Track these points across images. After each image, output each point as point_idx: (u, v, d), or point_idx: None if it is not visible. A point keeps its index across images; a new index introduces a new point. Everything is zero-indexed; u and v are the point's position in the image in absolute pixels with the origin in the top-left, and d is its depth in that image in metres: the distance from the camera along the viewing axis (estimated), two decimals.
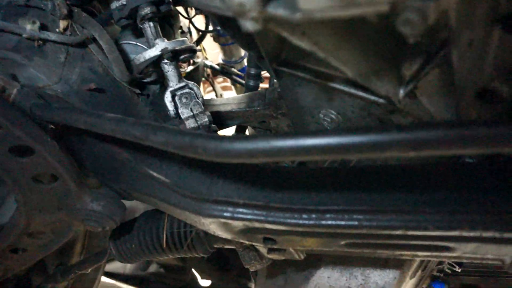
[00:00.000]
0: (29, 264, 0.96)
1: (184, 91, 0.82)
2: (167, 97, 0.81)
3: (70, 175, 0.72)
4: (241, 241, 0.65)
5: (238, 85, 1.71)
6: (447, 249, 0.54)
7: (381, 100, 0.51)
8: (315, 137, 0.40)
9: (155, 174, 0.65)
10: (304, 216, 0.55)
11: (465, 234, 0.49)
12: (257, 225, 0.58)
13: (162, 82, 0.92)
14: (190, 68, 1.54)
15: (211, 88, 1.80)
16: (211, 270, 1.61)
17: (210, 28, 1.43)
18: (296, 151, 0.41)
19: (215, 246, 0.85)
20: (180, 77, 0.83)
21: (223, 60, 1.81)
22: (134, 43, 0.94)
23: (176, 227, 0.84)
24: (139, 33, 0.94)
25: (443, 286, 0.95)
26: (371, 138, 0.38)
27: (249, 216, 0.57)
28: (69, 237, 0.87)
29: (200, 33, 1.39)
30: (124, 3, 0.81)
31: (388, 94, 0.49)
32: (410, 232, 0.51)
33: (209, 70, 1.62)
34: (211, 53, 1.81)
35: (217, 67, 1.58)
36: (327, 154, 0.40)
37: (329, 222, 0.54)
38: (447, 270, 1.04)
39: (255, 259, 0.77)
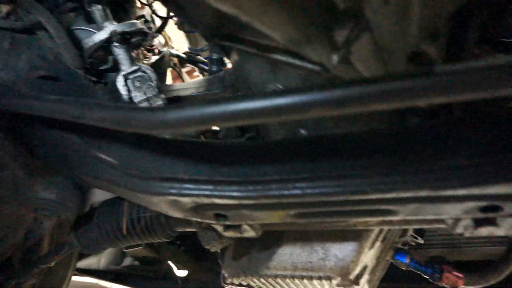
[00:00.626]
0: None
1: (137, 74, 0.81)
2: (120, 81, 0.80)
3: (17, 163, 0.70)
4: (195, 219, 0.65)
5: (205, 73, 1.70)
6: (390, 212, 0.55)
7: (316, 68, 0.52)
8: (242, 102, 0.40)
9: (104, 156, 0.64)
10: (250, 188, 0.55)
11: (402, 195, 0.50)
12: (205, 200, 0.58)
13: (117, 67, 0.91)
14: (155, 58, 1.52)
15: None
16: (186, 261, 1.61)
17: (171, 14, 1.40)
18: (225, 116, 0.41)
19: (177, 229, 0.85)
20: (132, 61, 0.82)
21: (189, 49, 1.79)
22: (86, 28, 0.91)
23: (136, 213, 0.84)
24: (91, 19, 0.91)
25: (405, 257, 0.98)
26: (293, 99, 0.38)
27: (195, 192, 0.57)
28: (24, 230, 0.85)
29: (162, 20, 1.37)
30: None
31: (322, 61, 0.50)
32: (352, 197, 0.52)
33: (175, 60, 1.60)
34: (177, 42, 1.79)
35: (183, 55, 1.56)
36: (254, 117, 0.40)
37: (274, 192, 0.54)
38: (411, 243, 1.07)
39: (214, 239, 0.77)
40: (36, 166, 0.75)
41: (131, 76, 0.80)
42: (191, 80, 1.07)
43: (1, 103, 0.68)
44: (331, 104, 0.36)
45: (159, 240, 0.89)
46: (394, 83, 0.33)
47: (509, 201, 0.48)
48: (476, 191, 0.47)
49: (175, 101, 0.96)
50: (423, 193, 0.49)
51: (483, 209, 0.51)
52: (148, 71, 0.83)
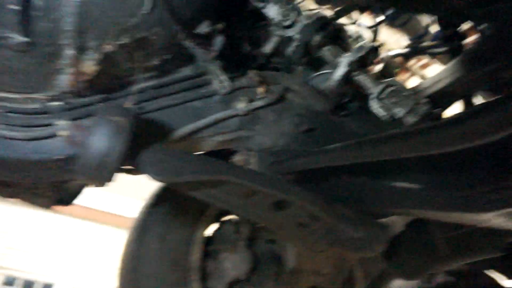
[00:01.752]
0: None
1: (387, 91, 0.76)
2: (375, 105, 0.78)
3: (327, 213, 0.76)
4: None
5: (438, 56, 1.49)
6: None
7: None
8: None
9: (403, 184, 0.61)
10: None
11: None
12: None
13: (359, 94, 0.90)
14: (378, 68, 1.47)
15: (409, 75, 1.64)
16: None
17: (377, 20, 1.34)
18: None
19: (506, 240, 0.70)
20: (375, 81, 0.79)
21: (410, 40, 1.63)
22: (320, 73, 0.97)
23: (445, 231, 0.75)
24: (319, 63, 0.97)
25: None
26: None
27: None
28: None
29: (372, 28, 1.33)
30: (292, 37, 0.85)
31: None
32: None
33: (399, 59, 1.50)
34: (391, 41, 1.68)
35: (404, 50, 1.44)
36: None
37: None
38: None
39: None
40: (340, 210, 0.80)
41: (382, 96, 0.77)
42: (439, 71, 0.93)
43: (292, 165, 0.78)
44: None
45: (485, 257, 0.76)
46: None
47: None
48: None
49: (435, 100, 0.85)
50: None
51: None
52: (396, 83, 0.77)
